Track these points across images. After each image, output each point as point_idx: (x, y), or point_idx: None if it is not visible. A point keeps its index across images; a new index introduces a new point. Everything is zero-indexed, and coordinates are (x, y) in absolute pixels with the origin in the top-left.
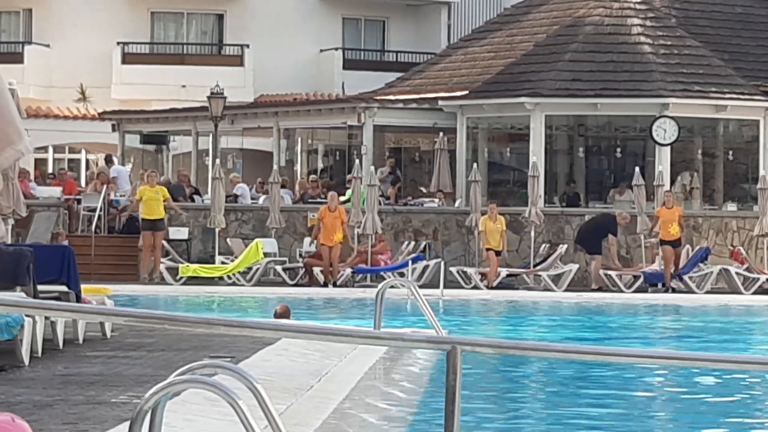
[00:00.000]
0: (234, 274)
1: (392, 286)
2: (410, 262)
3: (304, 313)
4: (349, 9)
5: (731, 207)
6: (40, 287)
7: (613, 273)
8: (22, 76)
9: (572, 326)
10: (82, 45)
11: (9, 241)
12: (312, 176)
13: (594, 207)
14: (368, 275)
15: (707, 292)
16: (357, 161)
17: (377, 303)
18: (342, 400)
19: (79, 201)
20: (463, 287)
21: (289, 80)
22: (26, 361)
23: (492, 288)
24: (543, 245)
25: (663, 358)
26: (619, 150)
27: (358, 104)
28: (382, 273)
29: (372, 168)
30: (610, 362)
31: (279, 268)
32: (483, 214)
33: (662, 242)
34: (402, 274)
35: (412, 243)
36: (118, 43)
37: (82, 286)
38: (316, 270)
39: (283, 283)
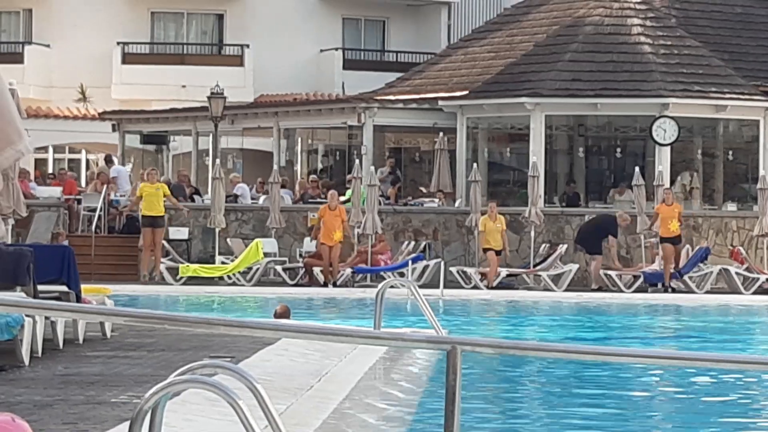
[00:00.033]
0: (234, 274)
1: (392, 286)
2: (410, 262)
3: (304, 313)
4: (349, 9)
5: (731, 207)
6: (40, 287)
7: (613, 273)
8: (22, 76)
9: (572, 326)
10: (82, 45)
11: (9, 241)
12: (312, 176)
13: (594, 207)
14: (368, 275)
15: (707, 292)
16: (357, 161)
17: (377, 303)
18: (342, 400)
19: (79, 201)
20: (463, 287)
21: (289, 80)
22: (26, 361)
23: (492, 288)
24: (543, 245)
25: (663, 358)
26: (619, 150)
27: (358, 104)
28: (382, 273)
29: (372, 168)
30: (610, 362)
31: (279, 268)
32: (483, 214)
33: (662, 239)
34: (402, 274)
35: (412, 243)
36: (118, 43)
37: (82, 286)
38: (316, 270)
39: (283, 283)
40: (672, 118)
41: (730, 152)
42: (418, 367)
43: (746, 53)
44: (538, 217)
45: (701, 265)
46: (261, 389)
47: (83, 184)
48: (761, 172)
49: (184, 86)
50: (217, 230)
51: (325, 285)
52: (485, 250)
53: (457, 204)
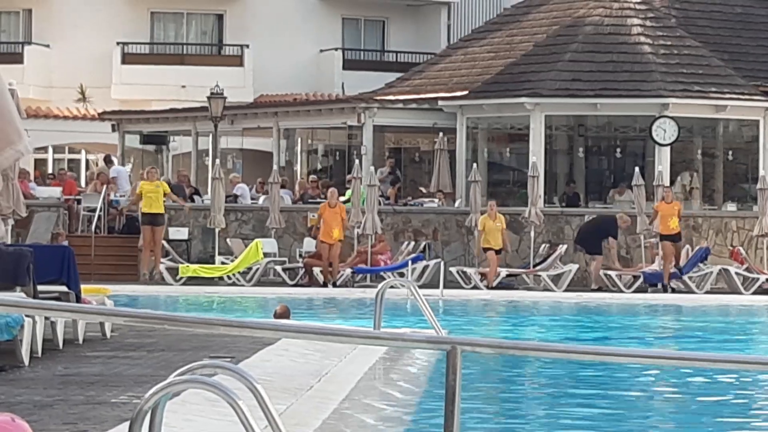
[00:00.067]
0: (234, 275)
1: (392, 287)
2: (410, 262)
3: (304, 313)
4: (349, 9)
5: (731, 207)
6: (40, 287)
7: (612, 273)
8: (22, 77)
9: (572, 326)
10: (82, 45)
11: (9, 242)
12: (312, 176)
13: (594, 207)
14: (368, 275)
15: (707, 292)
16: (357, 161)
17: (377, 303)
18: (342, 400)
19: (79, 201)
20: (462, 287)
21: (289, 80)
22: (26, 361)
23: (492, 288)
24: (543, 245)
25: (663, 358)
26: (618, 150)
27: (358, 104)
28: (381, 273)
29: (372, 168)
30: (610, 362)
31: (279, 268)
32: (483, 214)
33: (662, 237)
34: (402, 275)
35: (412, 243)
36: (118, 43)
37: (82, 287)
38: (316, 270)
39: (283, 284)
40: (672, 118)
41: (730, 152)
42: (418, 367)
43: (746, 53)
44: (537, 217)
45: (701, 265)
46: (261, 389)
47: (83, 184)
48: (761, 172)
49: (183, 86)
50: (216, 230)
51: (325, 285)
52: (485, 250)
53: (456, 204)
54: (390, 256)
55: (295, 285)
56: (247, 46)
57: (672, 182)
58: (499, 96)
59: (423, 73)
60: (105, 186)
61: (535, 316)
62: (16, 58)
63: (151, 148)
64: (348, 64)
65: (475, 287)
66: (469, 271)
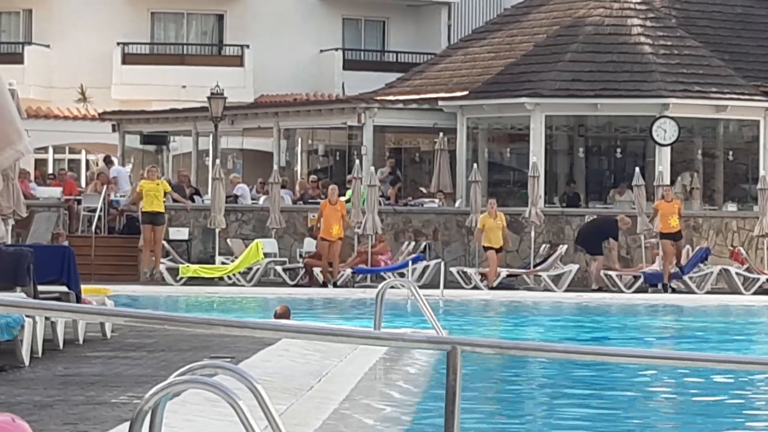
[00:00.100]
0: (234, 275)
1: (392, 287)
2: (410, 263)
3: (305, 313)
4: (349, 9)
5: (731, 207)
6: (40, 288)
7: (613, 273)
8: (23, 77)
9: (572, 327)
10: (82, 45)
11: (9, 242)
12: (312, 176)
13: (594, 207)
14: (368, 275)
15: (707, 293)
16: (357, 161)
17: (377, 303)
18: (342, 400)
19: (79, 201)
20: (463, 287)
21: (289, 80)
22: (26, 361)
23: (492, 288)
24: (543, 245)
25: (663, 358)
26: (619, 150)
27: (358, 104)
28: (382, 273)
29: (372, 168)
30: (610, 362)
31: (279, 268)
32: (483, 213)
33: (662, 235)
34: (402, 275)
35: (413, 243)
36: (119, 44)
37: (82, 287)
38: (316, 270)
39: (284, 284)
40: (672, 118)
41: (731, 152)
42: (419, 367)
43: (746, 53)
44: (538, 217)
45: (701, 265)
46: (261, 390)
47: (83, 184)
48: (761, 172)
49: (184, 86)
50: (217, 231)
51: (325, 285)
52: (485, 249)
53: (457, 204)
54: (390, 257)
55: (296, 285)
56: (248, 46)
57: (672, 182)
58: (499, 96)
59: (423, 74)
60: (105, 186)
61: (535, 317)
62: (17, 59)
63: (151, 148)
64: (348, 65)
65: (476, 287)
66: (470, 271)
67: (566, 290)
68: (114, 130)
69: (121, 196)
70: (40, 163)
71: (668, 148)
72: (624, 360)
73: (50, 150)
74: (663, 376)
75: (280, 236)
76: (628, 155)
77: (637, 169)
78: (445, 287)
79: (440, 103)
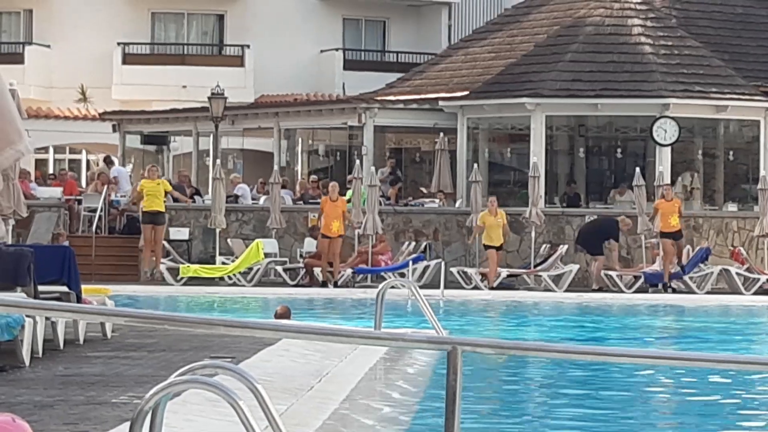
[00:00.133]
0: (234, 275)
1: (393, 287)
2: (411, 263)
3: (305, 313)
4: (349, 9)
5: (732, 207)
6: (40, 288)
7: (613, 273)
8: (23, 77)
9: (573, 327)
10: (82, 45)
11: (9, 242)
12: (312, 176)
13: (594, 207)
14: (369, 276)
15: (708, 293)
16: (357, 162)
17: (378, 303)
18: (342, 400)
19: (79, 201)
20: (463, 287)
21: (289, 81)
22: (27, 361)
23: (493, 288)
24: (543, 246)
25: (663, 358)
26: (619, 150)
27: (359, 105)
28: (382, 273)
29: (372, 168)
30: (610, 363)
31: (279, 268)
32: (483, 212)
33: (662, 235)
34: (402, 275)
35: (413, 243)
36: (119, 44)
37: (83, 287)
38: (317, 270)
39: (284, 284)
40: (672, 118)
41: (731, 153)
42: (419, 367)
43: (747, 53)
44: (538, 217)
45: (702, 265)
46: (261, 390)
47: (83, 184)
48: (762, 172)
49: (184, 87)
50: (217, 231)
51: (324, 284)
52: (486, 247)
53: (457, 204)
54: (391, 257)
55: (296, 285)
56: (248, 46)
57: (673, 182)
58: (499, 96)
59: (424, 74)
60: (106, 186)
61: (535, 317)
62: (17, 59)
63: (151, 148)
64: (349, 65)
65: (476, 287)
66: (470, 271)
67: (566, 290)
68: (114, 130)
69: (121, 196)
70: (40, 163)
71: (669, 148)
72: (624, 360)
73: (51, 150)
74: (663, 377)
75: (280, 236)
76: (629, 155)
77: (638, 169)
78: (446, 287)
79: (441, 103)
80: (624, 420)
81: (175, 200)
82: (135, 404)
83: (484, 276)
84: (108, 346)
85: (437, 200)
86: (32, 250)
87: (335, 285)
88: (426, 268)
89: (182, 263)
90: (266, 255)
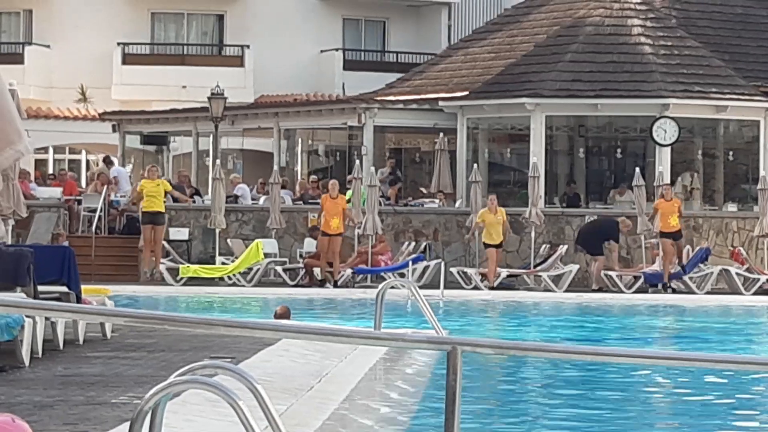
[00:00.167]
0: (234, 275)
1: (393, 287)
2: (410, 263)
3: (305, 313)
4: (349, 9)
5: (731, 207)
6: (40, 288)
7: (613, 273)
8: (23, 77)
9: (573, 327)
10: (82, 45)
11: (9, 242)
12: (312, 176)
13: (594, 207)
14: (368, 276)
15: (707, 293)
16: (357, 162)
17: (377, 303)
18: (342, 400)
19: (79, 202)
20: (463, 288)
21: (289, 81)
22: (26, 361)
23: (493, 288)
24: (543, 246)
25: (663, 358)
26: (619, 150)
27: (359, 105)
28: (382, 273)
29: (372, 168)
30: (610, 363)
31: (279, 268)
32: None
33: (662, 235)
34: (402, 275)
35: (413, 243)
36: (119, 44)
37: (83, 287)
38: (317, 270)
39: (284, 284)
40: (672, 118)
41: (731, 153)
42: (419, 367)
43: (746, 54)
44: (538, 217)
45: (702, 265)
46: (261, 390)
47: (83, 184)
48: (761, 172)
49: (184, 87)
50: (217, 231)
51: (322, 283)
52: (485, 246)
53: (457, 205)
54: (390, 257)
55: (296, 285)
56: (248, 46)
57: (672, 182)
58: (499, 96)
59: (423, 74)
60: (105, 186)
61: (535, 317)
62: (17, 59)
63: (151, 148)
64: (348, 65)
65: (476, 287)
66: (470, 271)
67: (566, 290)
68: (114, 131)
69: (121, 197)
70: (40, 164)
71: (668, 149)
72: (624, 360)
73: (50, 150)
74: (662, 377)
75: (280, 236)
76: (629, 155)
77: (638, 169)
78: (446, 287)
79: (440, 103)
80: (624, 420)
81: (175, 200)
82: (135, 404)
83: (483, 276)
84: (108, 347)
85: (437, 200)
86: (32, 250)
87: (335, 285)
88: (426, 268)
89: (182, 263)
90: (266, 255)
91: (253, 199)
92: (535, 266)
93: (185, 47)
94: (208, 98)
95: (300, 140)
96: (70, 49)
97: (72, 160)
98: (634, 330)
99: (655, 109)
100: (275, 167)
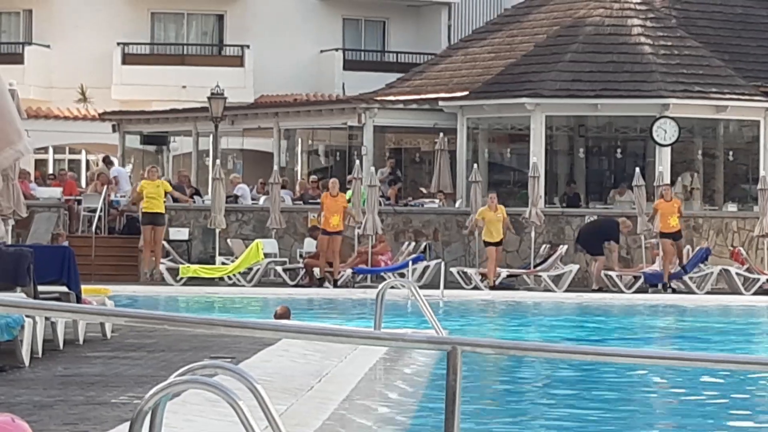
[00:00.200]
0: (234, 275)
1: (393, 287)
2: (410, 263)
3: (305, 313)
4: (349, 9)
5: (731, 207)
6: (40, 288)
7: (613, 273)
8: (23, 77)
9: (573, 327)
10: (82, 45)
11: (9, 242)
12: (312, 176)
13: (594, 207)
14: (368, 276)
15: (707, 293)
16: (357, 162)
17: (377, 303)
18: (342, 400)
19: (79, 202)
20: (463, 288)
21: (289, 81)
22: (26, 361)
23: (493, 287)
24: (543, 246)
25: (663, 358)
26: (619, 150)
27: (359, 105)
28: (382, 273)
29: (372, 169)
30: (610, 363)
31: (279, 268)
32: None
33: (662, 235)
34: (402, 275)
35: (413, 243)
36: (119, 44)
37: (83, 287)
38: (316, 270)
39: (284, 284)
40: (672, 118)
41: (731, 153)
42: (419, 367)
43: (746, 54)
44: (538, 217)
45: (702, 265)
46: (261, 390)
47: (83, 184)
48: (761, 172)
49: (184, 87)
50: (217, 231)
51: (321, 281)
52: (485, 244)
53: (457, 205)
54: (390, 257)
55: (296, 285)
56: (248, 46)
57: (673, 183)
58: (499, 96)
59: (423, 74)
60: (105, 186)
61: (535, 317)
62: (17, 59)
63: (151, 148)
64: (348, 65)
65: (476, 287)
66: (470, 271)
67: (566, 290)
68: (114, 131)
69: (121, 197)
70: (40, 164)
71: (668, 149)
72: (624, 360)
73: (50, 150)
74: (662, 377)
75: (280, 236)
76: (629, 155)
77: (638, 169)
78: (446, 287)
79: (440, 103)
80: (624, 420)
81: (175, 200)
82: (135, 404)
83: (483, 276)
84: (108, 347)
85: (437, 200)
86: (32, 250)
87: (335, 285)
88: (426, 268)
89: (182, 263)
90: (266, 255)
91: (253, 199)
92: (535, 266)
93: (185, 47)
94: (208, 98)
95: (300, 140)
96: (70, 49)
97: (72, 160)
98: (634, 330)
99: (655, 109)
100: (275, 167)
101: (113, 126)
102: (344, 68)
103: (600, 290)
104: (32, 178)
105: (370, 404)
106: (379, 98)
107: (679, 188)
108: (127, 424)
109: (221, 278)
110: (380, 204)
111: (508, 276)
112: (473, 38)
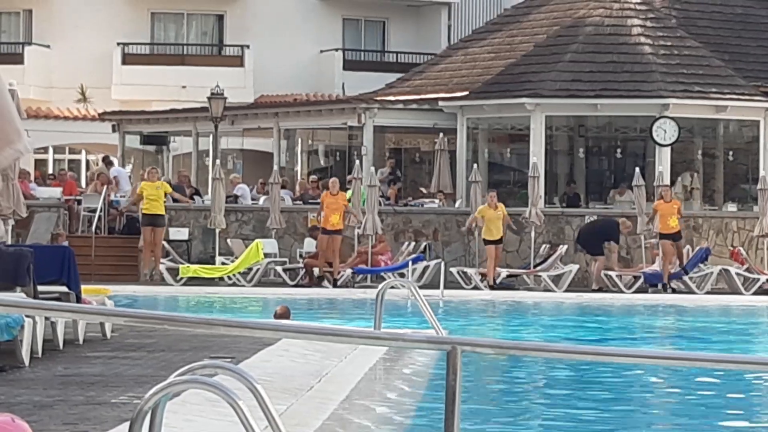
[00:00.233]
0: (234, 275)
1: (392, 287)
2: (410, 263)
3: (305, 313)
4: (349, 9)
5: (731, 207)
6: (40, 288)
7: (613, 273)
8: (23, 77)
9: (573, 327)
10: (82, 45)
11: (9, 242)
12: (312, 176)
13: (594, 207)
14: (368, 276)
15: (707, 293)
16: (357, 162)
17: (377, 303)
18: (342, 400)
19: (79, 202)
20: (463, 288)
21: (289, 81)
22: (26, 361)
23: (493, 287)
24: (543, 246)
25: (662, 358)
26: (619, 150)
27: (359, 105)
28: (382, 273)
29: (372, 169)
30: (610, 363)
31: (279, 268)
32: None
33: (662, 236)
34: (402, 275)
35: (413, 243)
36: (119, 44)
37: (82, 287)
38: (316, 270)
39: (284, 284)
40: (672, 118)
41: (731, 153)
42: (418, 367)
43: (746, 54)
44: (538, 217)
45: (701, 265)
46: (261, 390)
47: (83, 184)
48: (761, 172)
49: (184, 87)
50: (217, 231)
51: (320, 281)
52: (485, 242)
53: (457, 205)
54: (390, 257)
55: (296, 285)
56: (248, 46)
57: (672, 183)
58: (499, 96)
59: (423, 74)
60: (105, 186)
61: (535, 317)
62: (17, 59)
63: (151, 148)
64: (348, 65)
65: (476, 287)
66: (470, 271)
67: (566, 290)
68: (114, 131)
69: (121, 197)
70: (40, 164)
71: (668, 149)
72: (624, 360)
73: (50, 150)
74: (661, 377)
75: (280, 236)
76: (628, 155)
77: (637, 169)
78: (445, 287)
79: (440, 103)
80: (623, 419)
81: (175, 201)
82: (135, 404)
83: (483, 276)
84: (108, 346)
85: (437, 200)
86: (32, 250)
87: (335, 285)
88: (426, 268)
89: (182, 263)
90: (266, 255)
91: (253, 199)
92: (535, 266)
93: (185, 47)
94: (208, 98)
95: (300, 140)
96: (70, 49)
97: (72, 160)
98: (633, 330)
99: (655, 109)
100: (275, 167)
101: (113, 126)
102: (344, 68)
103: (600, 290)
104: (32, 178)
105: (369, 404)
106: (379, 98)
107: (679, 188)
108: (127, 424)
109: (221, 278)
110: (380, 204)
111: (508, 276)
112: (473, 38)
